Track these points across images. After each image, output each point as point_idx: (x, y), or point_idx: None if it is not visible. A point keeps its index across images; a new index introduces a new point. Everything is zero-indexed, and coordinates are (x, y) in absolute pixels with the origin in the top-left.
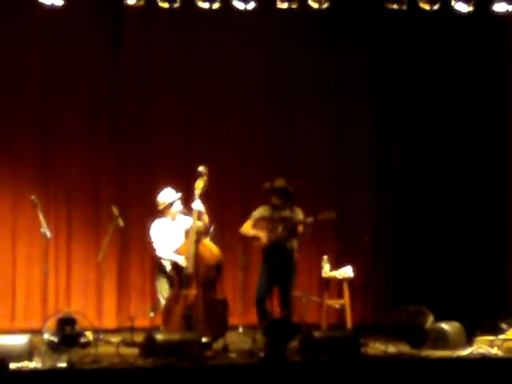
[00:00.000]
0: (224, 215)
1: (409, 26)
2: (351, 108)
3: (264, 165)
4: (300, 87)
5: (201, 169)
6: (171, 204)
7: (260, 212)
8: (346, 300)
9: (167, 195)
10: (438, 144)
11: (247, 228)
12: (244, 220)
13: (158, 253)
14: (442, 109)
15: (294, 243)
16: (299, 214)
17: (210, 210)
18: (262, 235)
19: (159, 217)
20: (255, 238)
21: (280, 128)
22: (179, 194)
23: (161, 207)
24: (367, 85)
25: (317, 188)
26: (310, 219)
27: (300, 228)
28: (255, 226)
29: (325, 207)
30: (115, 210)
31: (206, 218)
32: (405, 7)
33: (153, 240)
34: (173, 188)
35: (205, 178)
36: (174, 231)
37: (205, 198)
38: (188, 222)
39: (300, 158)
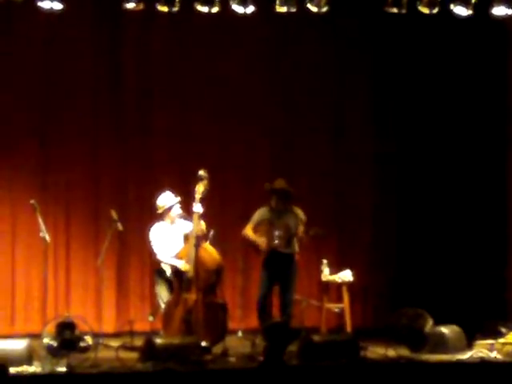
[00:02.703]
0: (225, 219)
1: (409, 29)
2: (352, 112)
3: (265, 168)
4: (301, 91)
5: (201, 173)
6: (170, 208)
7: (259, 214)
8: (345, 304)
9: (166, 199)
10: (438, 147)
11: (248, 231)
12: (245, 223)
13: (159, 257)
14: (443, 111)
15: (294, 246)
16: (299, 215)
17: (211, 214)
18: (261, 242)
19: (158, 220)
20: (255, 244)
21: (281, 131)
22: (178, 198)
23: (160, 211)
24: (368, 87)
25: (317, 191)
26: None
27: (300, 229)
28: (255, 228)
29: (324, 211)
30: (114, 214)
31: (203, 223)
32: (404, 11)
33: (152, 244)
34: (172, 192)
35: (205, 181)
36: (174, 235)
37: (205, 201)
38: (187, 226)
39: (301, 162)
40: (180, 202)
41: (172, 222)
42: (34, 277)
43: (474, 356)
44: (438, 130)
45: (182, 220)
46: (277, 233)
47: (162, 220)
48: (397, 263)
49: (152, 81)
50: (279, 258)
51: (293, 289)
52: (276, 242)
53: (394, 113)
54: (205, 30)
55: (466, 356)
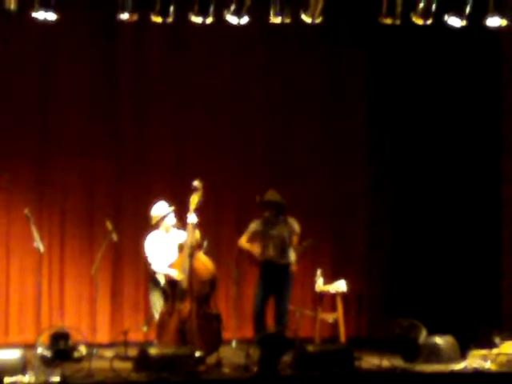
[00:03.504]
0: (219, 229)
1: (404, 38)
2: (349, 121)
3: (260, 178)
4: (296, 99)
5: (196, 183)
6: (164, 217)
7: (253, 226)
8: (339, 314)
9: (160, 209)
10: (433, 157)
11: (243, 242)
12: (239, 234)
13: (154, 267)
14: (437, 121)
15: (290, 256)
16: (293, 225)
17: (206, 224)
18: (256, 252)
19: (153, 230)
20: (250, 255)
21: (277, 141)
22: (172, 208)
23: (154, 221)
24: (363, 96)
25: (312, 201)
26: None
27: (295, 239)
28: (250, 240)
29: (320, 221)
30: (109, 224)
31: (197, 232)
32: (398, 22)
33: (147, 254)
34: (166, 201)
35: (200, 192)
36: (168, 244)
37: (200, 211)
38: (181, 236)
39: (296, 172)
40: (174, 211)
41: (167, 231)
42: (29, 286)
43: (468, 366)
44: (433, 139)
45: (176, 230)
46: (271, 244)
47: (157, 229)
48: (391, 273)
49: (147, 91)
50: (274, 269)
51: (288, 299)
52: (270, 253)
53: (390, 122)
54: (199, 39)
55: (459, 366)
